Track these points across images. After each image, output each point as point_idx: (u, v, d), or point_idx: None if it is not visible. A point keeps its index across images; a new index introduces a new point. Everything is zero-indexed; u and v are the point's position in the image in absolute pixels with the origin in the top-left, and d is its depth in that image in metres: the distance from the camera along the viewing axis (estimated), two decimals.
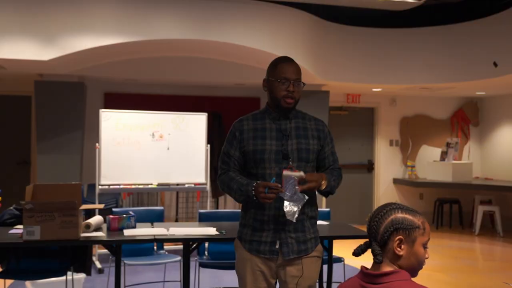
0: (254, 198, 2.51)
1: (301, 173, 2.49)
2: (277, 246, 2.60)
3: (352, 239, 4.01)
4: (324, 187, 2.59)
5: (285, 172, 2.49)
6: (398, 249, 1.83)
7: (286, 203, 2.49)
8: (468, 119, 9.68)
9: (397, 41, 7.58)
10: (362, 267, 1.90)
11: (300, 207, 2.50)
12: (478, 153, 9.73)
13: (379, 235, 1.85)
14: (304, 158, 2.65)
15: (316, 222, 2.75)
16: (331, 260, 4.16)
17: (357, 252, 1.98)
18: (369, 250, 1.96)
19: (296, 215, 2.50)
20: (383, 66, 7.57)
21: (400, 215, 1.85)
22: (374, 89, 8.46)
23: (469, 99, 9.72)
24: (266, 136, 2.64)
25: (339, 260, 4.61)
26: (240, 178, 2.62)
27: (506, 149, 9.16)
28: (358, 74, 7.50)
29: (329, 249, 4.12)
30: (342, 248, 5.27)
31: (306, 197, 2.51)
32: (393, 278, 1.78)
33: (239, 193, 2.58)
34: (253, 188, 2.51)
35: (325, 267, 4.25)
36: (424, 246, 1.85)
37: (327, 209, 4.93)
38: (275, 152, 2.61)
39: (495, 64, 6.78)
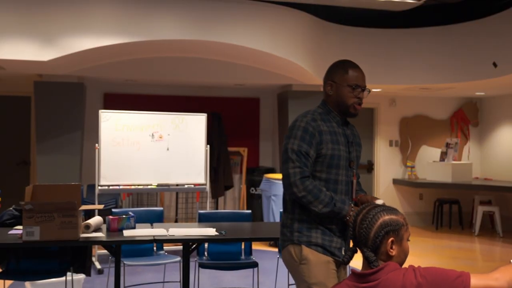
0: (346, 218, 2.48)
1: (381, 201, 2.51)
2: (343, 253, 2.56)
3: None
4: None
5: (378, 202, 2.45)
6: (391, 250, 1.88)
7: None
8: (468, 120, 9.68)
9: (396, 41, 7.58)
10: (353, 270, 1.95)
11: None
12: (478, 154, 9.73)
13: (369, 241, 1.89)
14: (358, 166, 2.70)
15: None
16: None
17: (347, 260, 2.02)
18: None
19: None
20: (382, 67, 7.57)
21: (386, 217, 1.90)
22: (373, 90, 8.46)
23: (469, 100, 9.72)
24: (338, 140, 2.56)
25: None
26: (328, 191, 2.50)
27: (505, 149, 9.16)
28: None
29: None
30: None
31: None
32: (386, 271, 1.83)
33: (330, 207, 2.45)
34: (352, 209, 2.49)
35: None
36: (407, 240, 1.94)
37: None
38: (345, 159, 2.58)
39: (495, 65, 6.78)
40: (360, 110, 2.60)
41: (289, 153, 2.48)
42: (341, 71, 2.59)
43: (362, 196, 2.65)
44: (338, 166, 2.53)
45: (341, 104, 2.58)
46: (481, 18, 7.10)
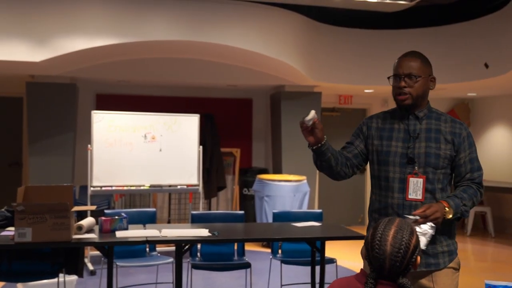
0: (309, 146, 2.46)
1: (416, 217, 2.25)
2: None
3: (345, 240, 4.03)
4: (450, 216, 2.31)
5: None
6: (416, 267, 1.82)
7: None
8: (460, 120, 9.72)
9: (389, 42, 7.60)
10: (363, 270, 1.88)
11: (428, 238, 2.26)
12: None
13: (402, 268, 1.75)
14: (433, 164, 2.40)
15: (452, 236, 2.47)
16: (323, 261, 4.18)
17: None
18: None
19: (425, 245, 2.26)
20: (375, 67, 7.59)
21: (413, 240, 1.79)
22: (366, 90, 8.48)
23: (461, 100, 9.77)
24: (392, 136, 2.47)
25: (332, 261, 4.62)
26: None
27: (496, 150, 9.21)
28: (350, 75, 7.52)
29: (321, 250, 4.14)
30: (335, 249, 5.29)
31: (431, 231, 2.25)
32: None
33: (313, 155, 2.53)
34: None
35: (317, 268, 4.27)
36: None
37: (319, 210, 4.94)
38: (400, 155, 2.43)
39: (486, 66, 6.81)
40: (405, 99, 2.44)
41: None
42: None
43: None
44: (387, 162, 2.45)
45: (394, 97, 2.52)
46: (473, 19, 7.14)
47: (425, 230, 2.24)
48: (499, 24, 6.62)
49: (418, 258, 1.80)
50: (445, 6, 7.18)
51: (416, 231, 1.85)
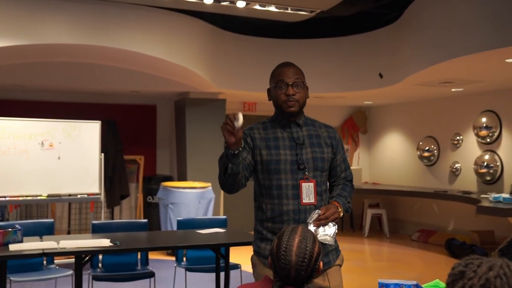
0: (226, 146, 2.28)
1: (316, 214, 2.35)
2: None
3: (249, 245, 4.08)
4: (341, 214, 2.46)
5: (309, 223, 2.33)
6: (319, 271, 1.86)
7: (319, 233, 2.32)
8: (357, 127, 10.19)
9: (290, 50, 7.80)
10: (267, 276, 1.90)
11: (334, 237, 2.36)
12: (367, 159, 10.27)
13: (307, 275, 1.80)
14: (320, 167, 2.53)
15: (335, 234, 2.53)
16: (228, 267, 4.20)
17: None
18: None
19: (334, 242, 2.38)
20: None
21: (316, 247, 1.84)
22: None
23: (358, 108, 10.24)
24: (279, 145, 2.51)
25: (236, 267, 4.66)
26: None
27: (391, 155, 9.74)
28: (254, 83, 7.64)
29: (226, 256, 4.16)
30: (239, 255, 5.33)
31: (334, 228, 2.36)
32: None
33: (222, 161, 2.34)
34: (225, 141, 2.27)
35: (222, 274, 4.30)
36: None
37: (224, 217, 4.98)
38: (290, 162, 2.48)
39: (381, 75, 7.19)
40: (293, 106, 2.50)
41: None
42: (271, 75, 2.63)
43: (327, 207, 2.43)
44: (278, 171, 2.47)
45: (277, 106, 2.57)
46: (369, 31, 7.52)
47: (330, 232, 2.35)
48: (393, 37, 7.02)
49: (321, 263, 1.86)
50: (344, 18, 7.50)
51: (318, 237, 1.92)
